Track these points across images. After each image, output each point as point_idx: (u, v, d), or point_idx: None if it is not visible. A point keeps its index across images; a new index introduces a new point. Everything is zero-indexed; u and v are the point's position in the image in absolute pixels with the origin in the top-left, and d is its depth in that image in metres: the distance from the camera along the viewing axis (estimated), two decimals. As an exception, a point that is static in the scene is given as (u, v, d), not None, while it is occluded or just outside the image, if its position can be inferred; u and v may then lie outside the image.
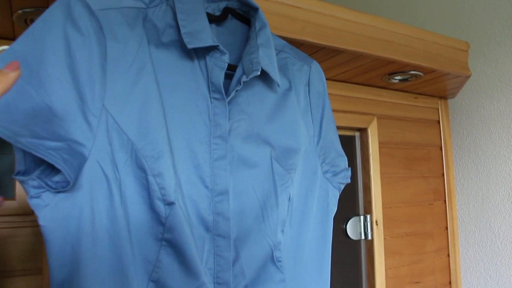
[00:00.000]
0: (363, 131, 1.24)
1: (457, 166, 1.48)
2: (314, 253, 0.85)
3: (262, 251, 0.74)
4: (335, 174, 0.87)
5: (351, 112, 1.21)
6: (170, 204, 0.62)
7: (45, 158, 0.54)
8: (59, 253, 0.59)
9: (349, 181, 0.90)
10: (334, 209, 0.89)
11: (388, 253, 1.22)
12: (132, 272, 0.61)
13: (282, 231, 0.79)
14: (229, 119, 0.70)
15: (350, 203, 1.24)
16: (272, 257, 0.76)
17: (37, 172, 0.57)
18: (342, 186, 0.90)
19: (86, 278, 0.59)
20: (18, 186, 0.89)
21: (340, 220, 1.22)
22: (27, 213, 0.89)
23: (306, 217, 0.84)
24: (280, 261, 0.77)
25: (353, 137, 1.26)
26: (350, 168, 0.89)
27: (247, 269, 0.72)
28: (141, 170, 0.61)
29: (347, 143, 1.24)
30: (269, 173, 0.76)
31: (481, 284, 1.42)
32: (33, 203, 0.57)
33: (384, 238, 1.21)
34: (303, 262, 0.82)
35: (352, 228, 1.20)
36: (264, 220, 0.76)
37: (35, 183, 0.57)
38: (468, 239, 1.45)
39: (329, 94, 0.84)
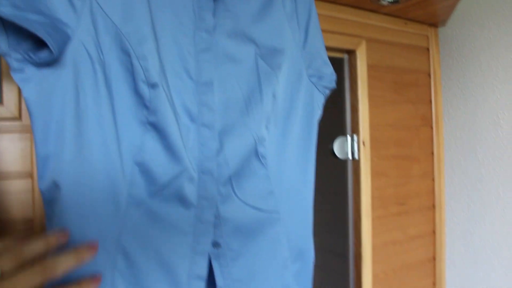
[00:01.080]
0: (351, 53, 1.24)
1: (445, 94, 1.49)
2: (298, 154, 0.86)
3: (246, 144, 0.76)
4: (320, 77, 0.88)
5: (339, 33, 1.21)
6: (153, 86, 0.62)
7: (29, 28, 0.54)
8: (44, 128, 0.60)
9: (334, 85, 0.91)
10: (319, 112, 0.90)
11: (374, 174, 1.25)
12: (115, 152, 0.63)
13: (267, 127, 0.80)
14: (214, 16, 0.70)
15: (338, 123, 1.26)
16: (256, 152, 0.77)
17: (20, 48, 0.58)
18: (327, 92, 0.91)
19: (70, 154, 0.61)
20: (5, 91, 0.89)
21: (328, 140, 1.23)
22: (15, 118, 0.90)
23: (291, 118, 0.85)
24: (264, 158, 0.79)
25: (342, 59, 1.26)
26: (335, 74, 0.89)
27: (231, 160, 0.74)
28: (125, 54, 0.62)
29: (336, 66, 1.24)
30: (254, 69, 0.77)
31: (464, 209, 1.47)
32: (17, 77, 0.58)
33: (371, 159, 1.23)
34: (288, 162, 0.84)
35: (339, 148, 1.22)
36: (248, 113, 0.77)
37: (18, 56, 0.58)
38: (453, 165, 1.48)
39: (317, 14, 0.84)
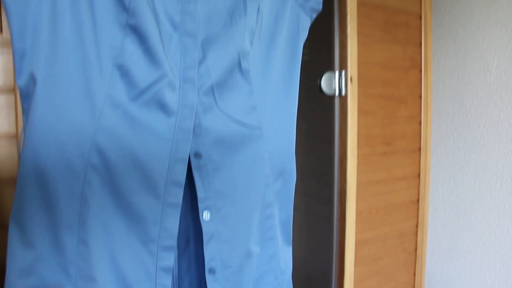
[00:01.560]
0: (342, -12, 1.23)
1: (436, 39, 1.49)
2: (283, 74, 0.86)
3: (229, 56, 0.75)
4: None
5: (330, -33, 1.19)
6: None
7: None
8: (20, 24, 0.61)
9: (321, 8, 0.90)
10: (304, 35, 0.89)
11: (361, 112, 1.25)
12: (93, 52, 0.63)
13: (251, 42, 0.80)
14: None
15: (326, 59, 1.25)
16: (240, 65, 0.77)
17: None
18: (314, 15, 0.90)
19: (45, 49, 0.61)
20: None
21: (315, 76, 1.23)
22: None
23: (276, 36, 0.85)
24: (247, 73, 0.78)
25: (332, -5, 1.25)
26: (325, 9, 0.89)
27: (213, 71, 0.74)
28: None
29: (325, 2, 1.22)
30: None
31: (449, 155, 1.48)
32: None
33: (358, 97, 1.23)
34: (272, 80, 0.84)
35: (327, 83, 1.21)
36: (232, 25, 0.76)
37: None
38: (440, 110, 1.49)
39: None
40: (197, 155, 0.73)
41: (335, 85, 1.22)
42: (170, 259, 0.72)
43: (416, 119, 1.42)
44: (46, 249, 0.66)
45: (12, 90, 0.89)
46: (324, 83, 1.21)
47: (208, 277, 0.77)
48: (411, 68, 1.39)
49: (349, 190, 1.23)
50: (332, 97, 1.24)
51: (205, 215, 0.74)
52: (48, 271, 0.67)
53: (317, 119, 1.36)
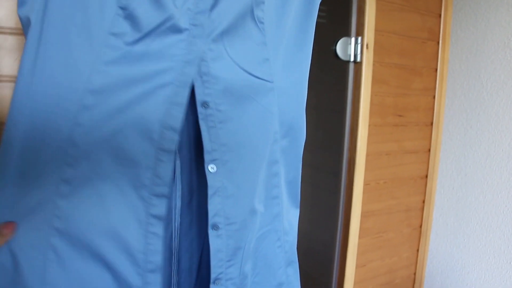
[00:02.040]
0: (363, -49, 1.18)
1: (456, 11, 1.44)
2: (297, 29, 0.84)
3: (242, 3, 0.73)
4: None
5: None
6: None
7: None
8: None
9: None
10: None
11: (375, 80, 1.22)
12: None
13: None
14: None
15: (342, 25, 1.22)
16: (253, 13, 0.74)
17: None
18: None
19: None
20: None
21: (330, 41, 1.20)
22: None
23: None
24: (261, 22, 0.76)
25: (352, -43, 1.20)
26: None
27: (224, 17, 0.71)
28: None
29: (345, -36, 1.19)
30: None
31: (461, 132, 1.45)
32: None
33: (373, 64, 1.20)
34: (286, 33, 0.81)
35: (342, 49, 1.18)
36: None
37: None
38: (455, 86, 1.46)
39: None
40: (205, 104, 0.71)
41: (350, 51, 1.19)
42: (162, 207, 0.70)
43: (430, 92, 1.38)
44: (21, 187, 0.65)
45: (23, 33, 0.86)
46: (339, 48, 1.18)
47: (211, 233, 0.76)
48: (429, 40, 1.35)
49: (358, 159, 1.21)
50: (346, 63, 1.21)
51: (211, 168, 0.72)
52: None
53: (327, 90, 1.33)
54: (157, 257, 0.72)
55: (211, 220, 0.75)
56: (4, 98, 0.91)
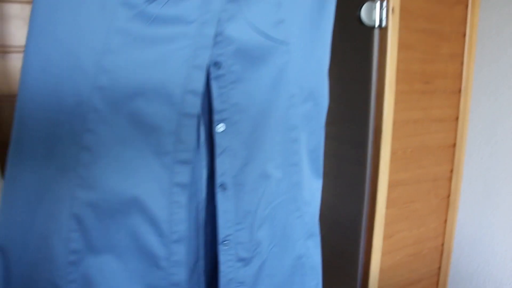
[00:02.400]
0: None
1: (485, -28, 1.39)
2: None
3: None
4: None
5: None
6: None
7: None
8: None
9: None
10: None
11: (401, 46, 1.19)
12: None
13: None
14: None
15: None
16: None
17: None
18: None
19: None
20: None
21: (354, 6, 1.17)
22: None
23: None
24: None
25: None
26: None
27: None
28: None
29: None
30: None
31: (491, 99, 1.41)
32: None
33: (399, 29, 1.17)
34: None
35: (367, 13, 1.15)
36: None
37: None
38: (484, 52, 1.41)
39: None
40: (217, 64, 0.69)
41: (375, 16, 1.16)
42: (185, 174, 0.69)
43: (458, 58, 1.34)
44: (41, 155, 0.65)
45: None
46: (364, 13, 1.14)
47: (219, 193, 0.75)
48: (457, 3, 1.30)
49: (385, 127, 1.19)
50: (371, 29, 1.18)
51: (220, 127, 0.71)
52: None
53: (350, 59, 1.30)
54: (181, 227, 0.71)
55: (218, 179, 0.74)
56: (15, 68, 0.90)
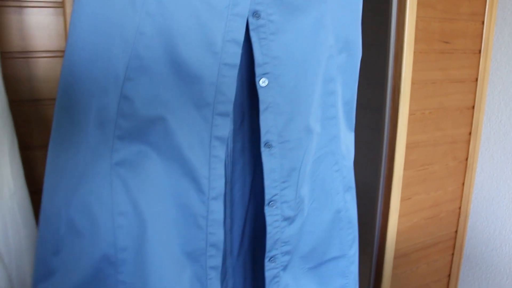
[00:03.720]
0: None
1: None
2: None
3: None
4: None
5: None
6: None
7: None
8: None
9: None
10: None
11: (420, 3, 1.16)
12: None
13: None
14: None
15: None
16: None
17: None
18: None
19: None
20: None
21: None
22: None
23: None
24: None
25: None
26: None
27: None
28: None
29: None
30: None
31: (511, 61, 1.39)
32: None
33: (418, -14, 1.15)
34: None
35: (386, -30, 1.13)
36: None
37: None
38: (505, 11, 1.37)
39: None
40: (256, 14, 0.68)
41: (394, -27, 1.14)
42: (225, 127, 0.69)
43: (479, 17, 1.31)
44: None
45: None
46: (383, -31, 1.12)
47: (264, 152, 0.74)
48: (477, -41, 1.27)
49: (403, 88, 1.18)
50: (390, -14, 1.16)
51: (262, 82, 0.70)
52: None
53: (368, 18, 1.28)
54: (220, 183, 0.71)
55: (263, 137, 0.73)
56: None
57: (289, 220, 0.80)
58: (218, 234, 0.73)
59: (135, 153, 0.66)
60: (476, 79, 1.35)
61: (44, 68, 0.90)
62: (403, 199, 1.31)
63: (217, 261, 0.74)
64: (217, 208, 0.72)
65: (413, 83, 1.20)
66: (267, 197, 0.77)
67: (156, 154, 0.66)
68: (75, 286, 0.67)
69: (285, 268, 0.83)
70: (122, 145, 0.65)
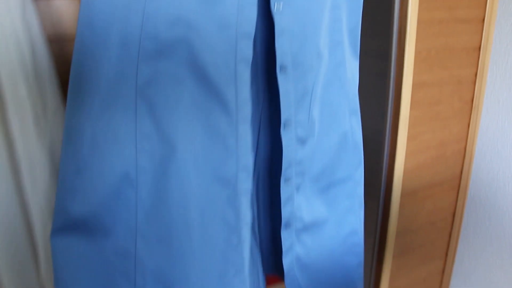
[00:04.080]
0: None
1: None
2: None
3: None
4: None
5: None
6: None
7: None
8: None
9: None
10: None
11: None
12: None
13: None
14: None
15: None
16: None
17: None
18: None
19: None
20: None
21: None
22: None
23: None
24: None
25: None
26: None
27: None
28: None
29: None
30: None
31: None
32: None
33: None
34: None
35: None
36: None
37: None
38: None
39: None
40: None
41: None
42: (249, 49, 0.71)
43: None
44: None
45: None
46: None
47: (279, 75, 0.78)
48: None
49: (409, 26, 1.21)
50: None
51: (277, 6, 0.73)
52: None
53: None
54: (247, 106, 0.73)
55: (279, 61, 0.76)
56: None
57: (303, 141, 0.86)
58: (247, 158, 0.76)
59: (161, 74, 0.68)
60: (483, 19, 1.37)
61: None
62: (409, 138, 1.36)
63: (248, 185, 0.78)
64: (245, 132, 0.74)
65: (419, 22, 1.23)
66: (283, 119, 0.82)
67: (182, 76, 0.69)
68: (96, 205, 0.71)
69: (298, 189, 0.89)
70: (146, 66, 0.68)
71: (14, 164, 0.91)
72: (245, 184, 0.77)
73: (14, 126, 0.88)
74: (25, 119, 0.89)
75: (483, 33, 1.38)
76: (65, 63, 1.00)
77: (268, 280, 2.08)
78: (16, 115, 0.88)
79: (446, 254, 1.70)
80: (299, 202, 0.90)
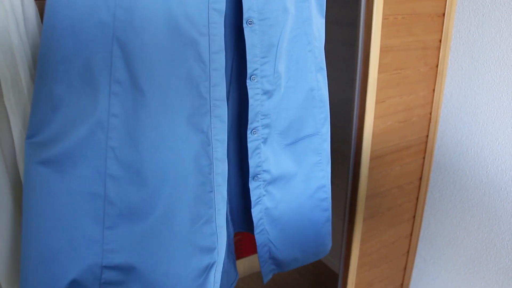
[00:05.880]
0: None
1: None
2: None
3: None
4: None
5: None
6: None
7: None
8: None
9: None
10: None
11: None
12: None
13: None
14: None
15: None
16: None
17: None
18: None
19: None
20: None
21: None
22: None
23: None
24: None
25: None
26: None
27: None
28: None
29: None
30: None
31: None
32: None
33: None
34: None
35: None
36: None
37: None
38: None
39: None
40: None
41: None
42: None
43: None
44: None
45: None
46: None
47: (246, 28, 0.81)
48: None
49: (377, -9, 1.24)
50: None
51: None
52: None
53: None
54: (220, 54, 0.75)
55: (245, 14, 0.80)
56: None
57: (268, 93, 0.89)
58: (221, 106, 0.78)
59: (136, 20, 0.69)
60: (447, -13, 1.42)
61: None
62: (378, 102, 1.41)
63: (223, 134, 0.81)
64: (219, 80, 0.77)
65: (386, -13, 1.27)
66: (249, 71, 0.85)
67: (156, 23, 0.70)
68: (69, 146, 0.72)
69: (265, 141, 0.93)
70: (123, 12, 0.69)
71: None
72: (220, 133, 0.80)
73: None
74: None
75: (447, 0, 1.43)
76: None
77: (243, 252, 2.13)
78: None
79: (414, 217, 1.78)
80: (266, 155, 0.93)
